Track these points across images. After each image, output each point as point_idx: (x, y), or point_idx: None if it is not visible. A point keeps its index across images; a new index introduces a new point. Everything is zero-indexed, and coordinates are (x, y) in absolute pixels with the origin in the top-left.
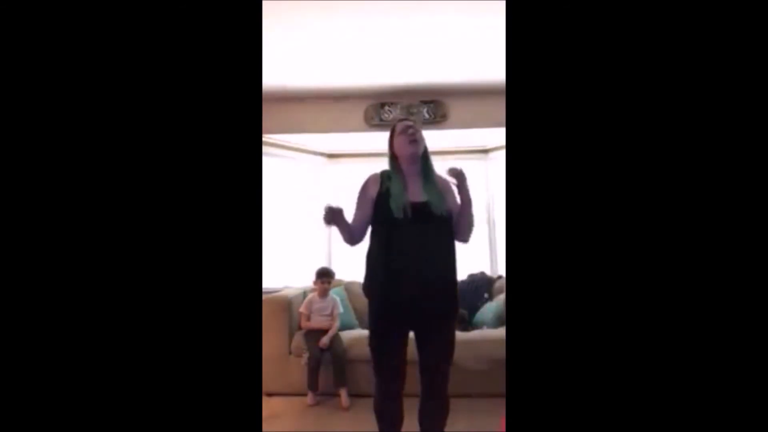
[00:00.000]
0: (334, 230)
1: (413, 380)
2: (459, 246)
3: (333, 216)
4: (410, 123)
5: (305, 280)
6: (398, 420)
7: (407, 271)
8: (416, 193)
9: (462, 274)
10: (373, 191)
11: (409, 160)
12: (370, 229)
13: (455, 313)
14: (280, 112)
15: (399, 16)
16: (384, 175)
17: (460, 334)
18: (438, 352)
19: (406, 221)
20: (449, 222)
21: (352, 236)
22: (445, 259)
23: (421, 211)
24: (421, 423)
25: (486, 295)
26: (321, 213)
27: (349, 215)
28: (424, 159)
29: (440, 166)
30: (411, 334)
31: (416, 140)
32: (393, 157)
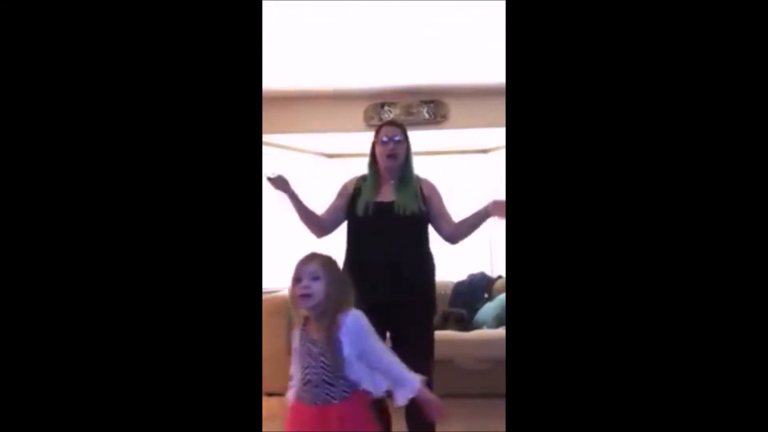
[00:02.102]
0: (338, 231)
1: None
2: (460, 247)
3: (278, 183)
4: (393, 132)
5: None
6: (384, 421)
7: (369, 269)
8: (386, 194)
9: (462, 274)
10: (348, 190)
11: (387, 169)
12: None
13: (428, 312)
14: (280, 112)
15: (399, 16)
16: (361, 178)
17: (460, 334)
18: (413, 352)
19: (366, 219)
20: (418, 223)
21: (319, 226)
22: (412, 260)
23: (384, 210)
24: (409, 425)
25: (486, 295)
26: (268, 175)
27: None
28: (405, 166)
29: (440, 166)
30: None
31: (394, 155)
32: (373, 157)
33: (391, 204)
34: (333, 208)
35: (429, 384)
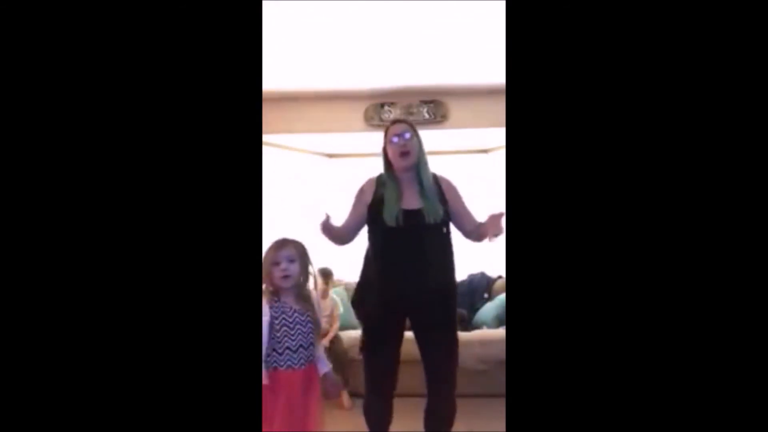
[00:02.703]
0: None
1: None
2: (459, 247)
3: (326, 228)
4: (402, 129)
5: None
6: (386, 419)
7: (400, 277)
8: (411, 200)
9: (462, 274)
10: (368, 196)
11: (403, 170)
12: (367, 231)
13: (453, 317)
14: (280, 112)
15: (399, 16)
16: (379, 180)
17: (460, 334)
18: (438, 356)
19: (398, 229)
20: (444, 228)
21: (340, 238)
22: (440, 265)
23: (414, 218)
24: (426, 423)
25: (486, 295)
26: (320, 220)
27: (342, 218)
28: (420, 164)
29: (440, 167)
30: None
31: (408, 152)
32: (388, 162)
33: (419, 211)
34: (354, 218)
35: (452, 381)
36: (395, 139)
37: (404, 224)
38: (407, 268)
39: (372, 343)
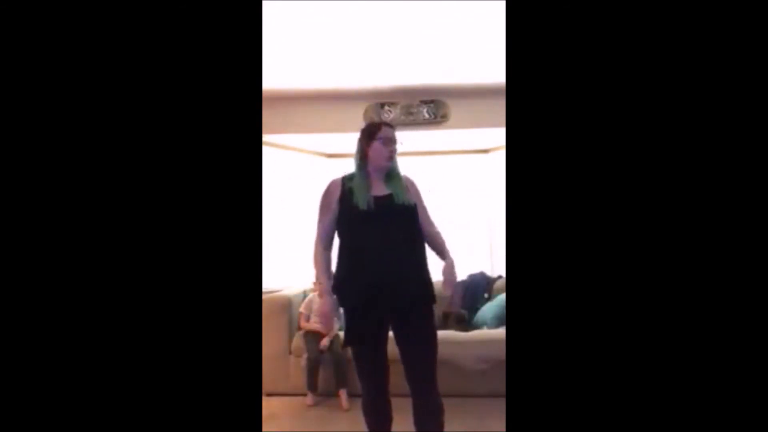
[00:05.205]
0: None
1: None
2: (460, 247)
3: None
4: (392, 134)
5: (305, 280)
6: (386, 418)
7: (376, 262)
8: (379, 189)
9: (462, 274)
10: (336, 195)
11: (380, 169)
12: (337, 226)
13: (430, 302)
14: (280, 112)
15: (399, 16)
16: (345, 178)
17: (460, 334)
18: (418, 346)
19: (370, 212)
20: (413, 212)
21: (322, 247)
22: (412, 247)
23: (384, 203)
24: (416, 424)
25: (486, 295)
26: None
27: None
28: (393, 163)
29: (440, 166)
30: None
31: (393, 158)
32: (363, 156)
33: (388, 196)
34: (327, 225)
35: (433, 376)
36: (382, 138)
37: (375, 209)
38: (381, 248)
39: (358, 332)
